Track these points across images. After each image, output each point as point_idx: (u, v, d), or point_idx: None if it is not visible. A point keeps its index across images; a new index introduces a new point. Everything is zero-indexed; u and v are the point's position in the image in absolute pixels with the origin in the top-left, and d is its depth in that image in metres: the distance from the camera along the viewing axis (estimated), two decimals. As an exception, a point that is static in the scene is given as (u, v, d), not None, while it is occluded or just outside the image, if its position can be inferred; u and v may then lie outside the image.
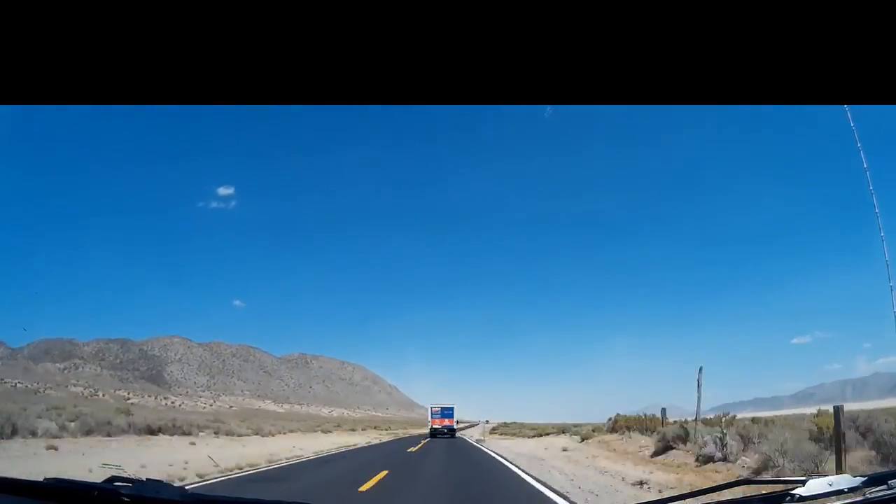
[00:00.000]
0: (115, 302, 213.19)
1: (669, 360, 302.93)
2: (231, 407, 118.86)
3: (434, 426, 38.29)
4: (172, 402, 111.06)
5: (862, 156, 8.47)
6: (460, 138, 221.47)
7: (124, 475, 1.81)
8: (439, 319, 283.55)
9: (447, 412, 38.72)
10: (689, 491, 1.80)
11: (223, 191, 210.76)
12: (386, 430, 60.94)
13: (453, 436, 37.52)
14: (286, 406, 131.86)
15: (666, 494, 2.05)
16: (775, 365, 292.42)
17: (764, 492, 1.55)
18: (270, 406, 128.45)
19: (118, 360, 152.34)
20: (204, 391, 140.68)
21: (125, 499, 1.56)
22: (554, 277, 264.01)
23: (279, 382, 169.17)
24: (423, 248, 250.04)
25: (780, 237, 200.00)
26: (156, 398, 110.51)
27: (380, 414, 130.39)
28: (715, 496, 1.65)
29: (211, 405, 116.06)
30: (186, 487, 3.10)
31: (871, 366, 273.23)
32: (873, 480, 1.44)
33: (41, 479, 1.72)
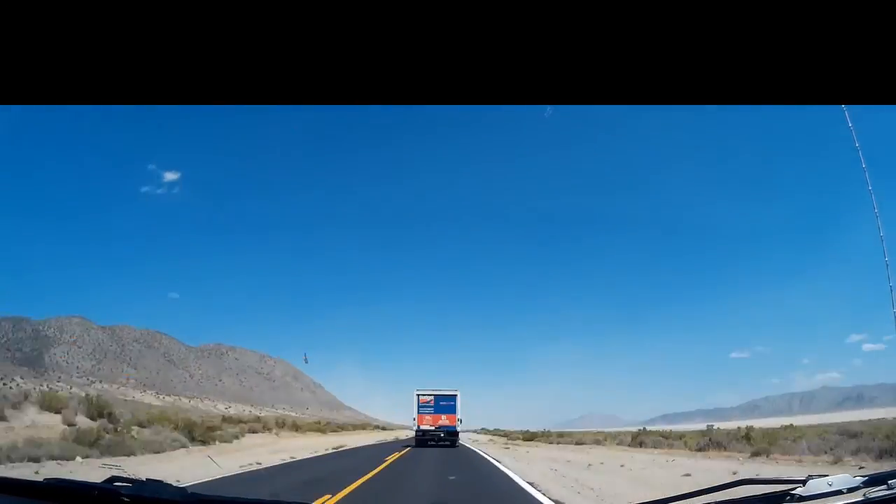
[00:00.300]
0: (16, 277, 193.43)
1: (608, 369, 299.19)
2: (97, 395, 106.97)
3: (423, 427, 22.25)
4: (17, 387, 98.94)
5: (860, 155, 9.11)
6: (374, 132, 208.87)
7: (124, 475, 1.83)
8: (377, 317, 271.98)
9: (445, 404, 22.48)
10: (688, 491, 1.82)
11: (169, 176, 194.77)
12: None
13: (454, 444, 22.30)
14: (169, 399, 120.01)
15: (665, 495, 1.88)
16: (715, 378, 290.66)
17: (764, 492, 1.56)
18: (148, 398, 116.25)
19: (5, 339, 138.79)
20: (81, 377, 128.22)
21: (125, 499, 1.58)
22: (496, 282, 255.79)
23: (182, 373, 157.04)
24: (363, 245, 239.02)
25: (718, 249, 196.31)
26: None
27: (294, 414, 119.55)
28: (715, 496, 1.67)
29: (68, 391, 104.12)
30: (186, 487, 2.47)
31: (811, 381, 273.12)
32: (873, 480, 1.46)
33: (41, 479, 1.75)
